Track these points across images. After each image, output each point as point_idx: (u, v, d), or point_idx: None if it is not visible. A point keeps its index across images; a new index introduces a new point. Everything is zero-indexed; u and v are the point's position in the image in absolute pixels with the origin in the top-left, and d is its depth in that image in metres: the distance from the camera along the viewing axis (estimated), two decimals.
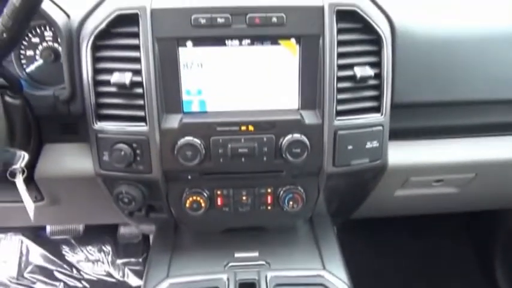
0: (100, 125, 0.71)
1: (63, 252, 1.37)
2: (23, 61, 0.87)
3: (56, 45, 0.87)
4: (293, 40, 0.70)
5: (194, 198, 0.77)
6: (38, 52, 0.87)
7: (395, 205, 0.98)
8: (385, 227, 1.26)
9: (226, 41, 0.70)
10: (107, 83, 0.69)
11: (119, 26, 0.68)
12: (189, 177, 0.75)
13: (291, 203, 0.78)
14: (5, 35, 0.64)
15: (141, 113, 0.70)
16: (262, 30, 0.69)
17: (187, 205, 0.77)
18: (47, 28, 0.86)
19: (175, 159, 0.71)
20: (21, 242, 1.35)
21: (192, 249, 0.84)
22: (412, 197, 0.93)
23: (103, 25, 0.67)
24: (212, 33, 0.69)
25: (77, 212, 0.96)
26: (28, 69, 0.87)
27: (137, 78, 0.69)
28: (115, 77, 0.68)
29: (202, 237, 0.86)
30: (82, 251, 1.37)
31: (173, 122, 0.71)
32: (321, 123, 0.72)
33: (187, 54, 0.70)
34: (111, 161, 0.71)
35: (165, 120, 0.71)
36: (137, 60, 0.68)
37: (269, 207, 0.79)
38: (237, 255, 0.81)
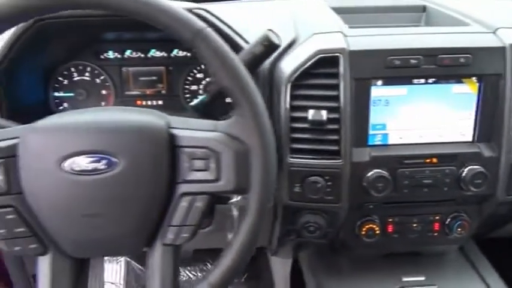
0: (293, 159, 0.76)
1: None
2: (187, 95, 0.92)
3: None
4: (474, 78, 0.75)
5: (370, 226, 0.81)
6: (201, 87, 0.92)
7: None
8: None
9: (413, 80, 0.75)
10: (302, 119, 0.74)
11: (318, 67, 0.73)
12: (371, 206, 0.79)
13: (459, 229, 0.82)
14: None
15: (334, 147, 0.74)
16: (449, 70, 0.74)
17: (362, 232, 0.81)
18: None
19: (363, 190, 0.75)
20: (127, 263, 1.39)
21: (355, 274, 0.88)
22: None
23: (305, 67, 0.72)
24: (403, 73, 0.74)
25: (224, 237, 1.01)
26: (192, 103, 0.92)
27: (332, 115, 0.73)
28: (311, 114, 0.73)
29: (362, 262, 0.90)
30: (184, 271, 1.41)
31: (362, 155, 0.75)
32: (497, 156, 0.76)
33: (377, 92, 0.75)
34: (305, 192, 0.75)
35: (354, 154, 0.75)
36: (333, 98, 0.73)
37: (435, 234, 0.84)
38: (404, 279, 0.85)
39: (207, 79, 0.92)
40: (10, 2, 0.46)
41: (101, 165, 0.51)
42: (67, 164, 0.51)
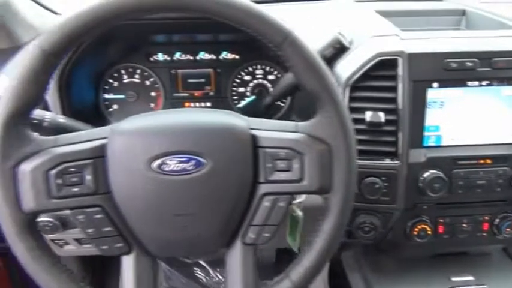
0: None
1: (197, 275, 1.41)
2: (235, 97, 0.93)
3: (265, 82, 0.93)
4: None
5: (422, 226, 0.82)
6: (248, 89, 0.93)
7: None
8: None
9: (468, 82, 0.76)
10: (359, 121, 0.75)
11: (377, 70, 0.74)
12: (424, 207, 0.80)
13: (508, 229, 0.83)
14: None
15: (391, 149, 0.75)
16: (503, 73, 0.75)
17: (414, 232, 0.82)
18: (258, 66, 0.93)
19: (418, 191, 0.77)
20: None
21: (404, 274, 0.89)
22: None
23: (364, 69, 0.73)
24: (459, 76, 0.75)
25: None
26: (240, 105, 0.93)
27: (389, 117, 0.74)
28: (369, 116, 0.74)
29: (409, 262, 0.91)
30: (215, 274, 1.41)
31: (418, 156, 0.76)
32: None
33: (433, 94, 0.76)
34: (362, 193, 0.76)
35: (410, 155, 0.76)
36: (391, 100, 0.74)
37: (484, 234, 0.85)
38: (453, 279, 0.86)
39: (254, 81, 0.93)
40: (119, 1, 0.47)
41: (189, 166, 0.52)
42: (156, 165, 0.52)
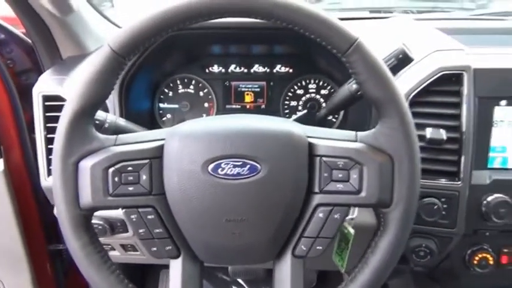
0: None
1: None
2: (286, 111, 0.93)
3: (318, 96, 0.92)
4: None
5: (483, 255, 0.76)
6: (300, 103, 0.92)
7: None
8: None
9: None
10: (419, 137, 0.70)
11: (439, 85, 0.71)
12: (487, 233, 0.75)
13: None
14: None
15: (452, 169, 0.71)
16: None
17: (474, 261, 0.76)
18: (311, 80, 0.92)
19: (481, 216, 0.72)
20: None
21: None
22: None
23: (425, 84, 0.71)
24: None
25: None
26: (291, 119, 0.92)
27: (451, 135, 0.71)
28: (430, 133, 0.70)
29: None
30: None
31: (482, 178, 0.72)
32: None
33: (500, 112, 0.71)
34: (420, 214, 0.72)
35: (473, 176, 0.72)
36: (454, 117, 0.71)
37: None
38: None
39: (307, 96, 0.92)
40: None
41: (244, 170, 0.51)
42: (211, 168, 0.52)
